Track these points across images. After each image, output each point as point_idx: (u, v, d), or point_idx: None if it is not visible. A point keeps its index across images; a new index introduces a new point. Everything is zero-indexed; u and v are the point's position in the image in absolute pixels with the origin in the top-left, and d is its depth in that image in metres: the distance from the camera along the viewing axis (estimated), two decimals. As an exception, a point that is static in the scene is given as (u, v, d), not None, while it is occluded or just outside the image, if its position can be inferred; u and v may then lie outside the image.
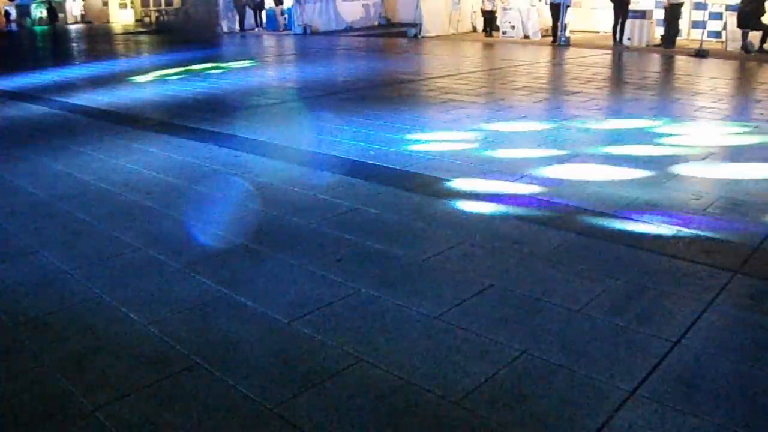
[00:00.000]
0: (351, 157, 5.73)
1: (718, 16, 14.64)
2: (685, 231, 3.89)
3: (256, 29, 23.58)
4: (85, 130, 7.38)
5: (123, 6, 38.22)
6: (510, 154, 5.73)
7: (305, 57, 15.23)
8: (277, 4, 23.20)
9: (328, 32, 21.21)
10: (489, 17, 18.42)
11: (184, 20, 27.32)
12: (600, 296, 3.11)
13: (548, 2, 16.21)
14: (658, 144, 6.00)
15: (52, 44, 17.77)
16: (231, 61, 13.92)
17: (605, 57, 13.46)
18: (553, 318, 2.93)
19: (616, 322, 2.88)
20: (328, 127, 6.99)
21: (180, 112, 8.23)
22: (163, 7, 35.43)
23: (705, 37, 13.46)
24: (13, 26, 32.87)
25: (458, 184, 4.90)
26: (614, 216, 4.14)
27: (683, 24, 15.58)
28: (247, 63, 13.79)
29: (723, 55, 13.10)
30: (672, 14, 14.27)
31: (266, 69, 13.33)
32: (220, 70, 12.37)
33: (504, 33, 17.60)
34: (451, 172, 5.18)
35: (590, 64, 12.24)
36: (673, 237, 3.80)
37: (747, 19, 13.00)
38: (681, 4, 14.25)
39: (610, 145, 6.01)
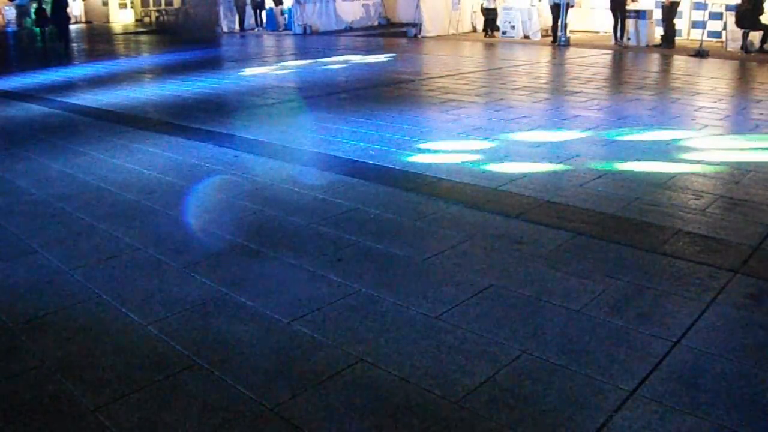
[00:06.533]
0: (351, 157, 5.73)
1: (718, 16, 14.63)
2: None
3: (256, 29, 23.59)
4: (85, 130, 7.38)
5: (123, 6, 38.21)
6: (511, 155, 5.73)
7: (306, 56, 15.22)
8: (277, 4, 23.20)
9: (328, 32, 21.21)
10: (489, 17, 18.42)
11: (184, 20, 27.32)
12: (600, 296, 3.11)
13: (549, 2, 16.20)
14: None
15: (50, 46, 17.71)
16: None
17: (605, 57, 13.46)
18: (553, 318, 2.93)
19: (616, 322, 2.88)
20: (328, 126, 6.99)
21: (180, 112, 8.23)
22: (163, 7, 35.43)
23: (705, 37, 13.45)
24: (10, 27, 32.74)
25: (458, 183, 4.90)
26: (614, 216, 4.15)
27: (684, 24, 15.59)
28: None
29: (723, 55, 13.10)
30: (669, 12, 14.27)
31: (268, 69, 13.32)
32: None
33: (504, 33, 17.59)
34: (451, 172, 5.18)
35: (590, 64, 12.23)
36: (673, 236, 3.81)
37: (746, 18, 13.01)
38: (678, 3, 14.26)
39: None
